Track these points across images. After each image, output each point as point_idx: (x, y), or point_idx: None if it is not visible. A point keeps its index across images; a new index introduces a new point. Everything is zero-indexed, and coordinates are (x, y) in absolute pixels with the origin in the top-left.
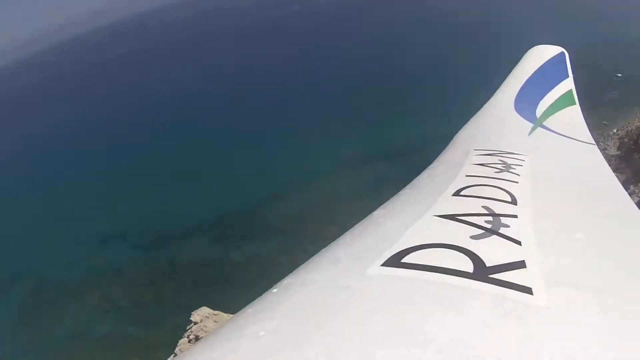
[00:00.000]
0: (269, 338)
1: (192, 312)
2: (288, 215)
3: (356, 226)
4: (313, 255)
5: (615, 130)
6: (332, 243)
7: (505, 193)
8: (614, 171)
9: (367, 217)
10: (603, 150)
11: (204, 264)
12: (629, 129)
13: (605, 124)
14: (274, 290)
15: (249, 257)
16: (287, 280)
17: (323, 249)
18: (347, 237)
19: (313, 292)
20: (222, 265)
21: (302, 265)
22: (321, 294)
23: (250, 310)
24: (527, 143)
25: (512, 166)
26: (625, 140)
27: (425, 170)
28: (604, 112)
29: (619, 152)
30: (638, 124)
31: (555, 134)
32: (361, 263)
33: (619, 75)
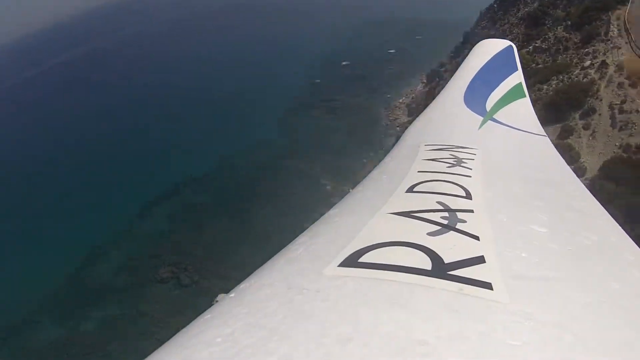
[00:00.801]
0: (226, 344)
1: None
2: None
3: (311, 227)
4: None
5: (401, 100)
6: (288, 245)
7: (459, 188)
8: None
9: (322, 217)
10: (394, 120)
11: (55, 347)
12: (413, 95)
13: (389, 97)
14: (232, 294)
15: (102, 322)
16: (243, 285)
17: (280, 252)
18: (303, 238)
19: (269, 295)
20: (76, 340)
21: (259, 269)
22: (278, 297)
23: (208, 316)
24: (477, 136)
25: (464, 160)
26: (413, 106)
27: (376, 167)
28: (384, 87)
29: (410, 118)
30: (420, 89)
31: (506, 127)
32: (318, 264)
33: (392, 51)
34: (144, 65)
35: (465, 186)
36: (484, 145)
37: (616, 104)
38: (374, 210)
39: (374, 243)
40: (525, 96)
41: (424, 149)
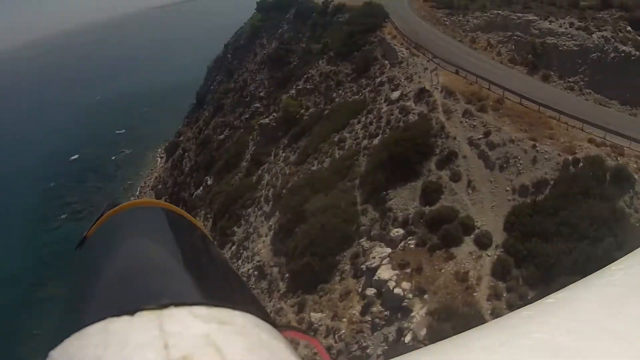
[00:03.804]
0: (545, 341)
1: None
2: None
3: (627, 256)
4: None
5: (143, 184)
6: (601, 270)
7: None
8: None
9: (636, 250)
10: (132, 197)
11: None
12: (156, 174)
13: (130, 183)
14: (550, 300)
15: None
16: (562, 294)
17: (595, 273)
18: (619, 265)
19: (588, 309)
20: None
21: (576, 284)
22: (595, 313)
23: (525, 313)
24: None
25: None
26: (160, 187)
27: None
28: (122, 173)
29: (164, 199)
30: (162, 165)
31: None
32: (637, 292)
33: (122, 131)
34: None
35: None
36: None
37: (479, 138)
38: None
39: None
40: None
41: None
